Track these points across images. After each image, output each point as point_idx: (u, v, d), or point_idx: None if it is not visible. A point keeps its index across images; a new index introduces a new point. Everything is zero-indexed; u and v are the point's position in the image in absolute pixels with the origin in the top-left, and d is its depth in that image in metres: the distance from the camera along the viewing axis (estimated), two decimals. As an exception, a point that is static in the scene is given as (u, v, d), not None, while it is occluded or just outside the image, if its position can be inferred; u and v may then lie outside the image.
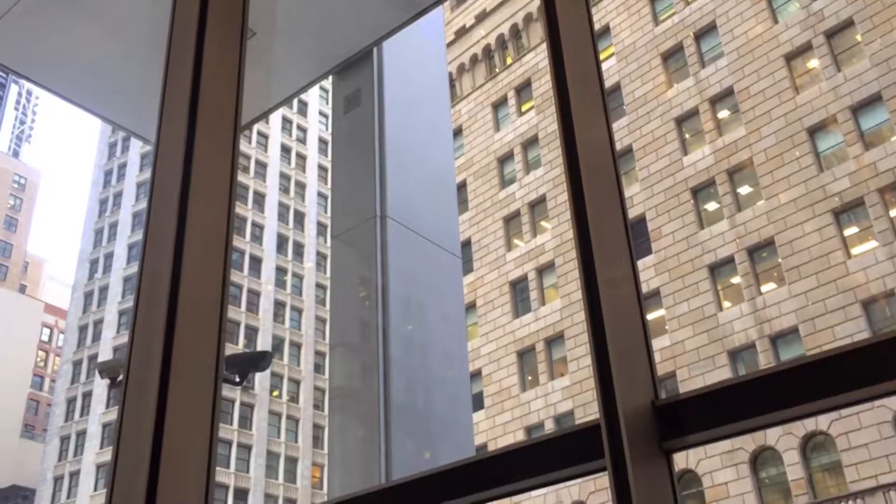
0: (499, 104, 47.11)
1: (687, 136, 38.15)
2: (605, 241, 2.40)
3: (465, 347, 7.12)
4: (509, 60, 47.71)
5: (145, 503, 2.98)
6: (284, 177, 71.87)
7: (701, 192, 36.64)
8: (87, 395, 63.47)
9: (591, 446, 2.23)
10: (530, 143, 44.30)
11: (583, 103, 2.59)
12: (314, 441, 62.98)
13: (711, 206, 36.27)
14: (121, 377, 3.34)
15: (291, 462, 61.30)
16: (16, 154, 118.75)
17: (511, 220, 43.80)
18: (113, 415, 60.49)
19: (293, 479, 60.77)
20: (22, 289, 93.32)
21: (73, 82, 5.90)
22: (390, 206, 5.71)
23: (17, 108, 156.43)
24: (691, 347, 33.98)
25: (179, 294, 3.39)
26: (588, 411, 34.78)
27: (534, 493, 33.95)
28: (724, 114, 37.29)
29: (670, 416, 2.17)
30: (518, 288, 41.88)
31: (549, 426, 36.84)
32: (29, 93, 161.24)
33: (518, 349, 40.14)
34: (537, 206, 42.60)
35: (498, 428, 38.61)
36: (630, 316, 2.36)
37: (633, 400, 2.17)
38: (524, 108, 45.64)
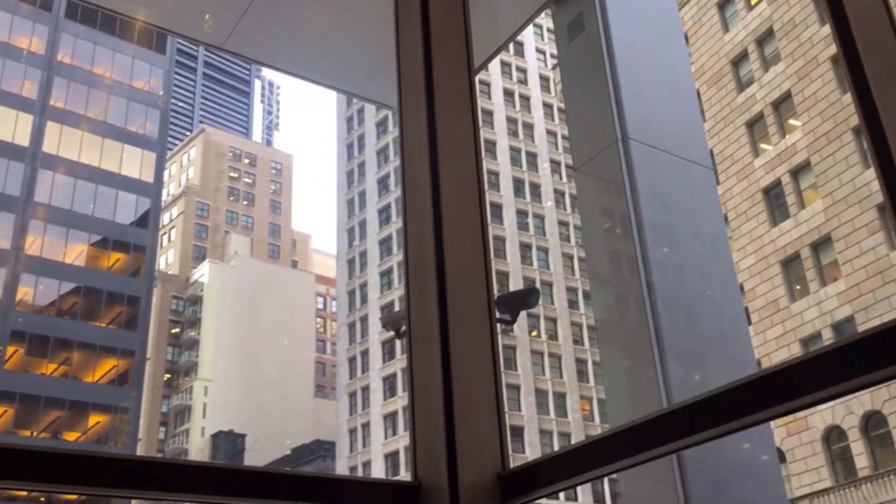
0: (724, 2, 43.93)
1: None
2: (898, 114, 2.13)
3: (729, 262, 6.78)
4: (729, -47, 44.22)
5: (446, 443, 3.16)
6: (511, 121, 72.40)
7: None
8: (365, 354, 68.79)
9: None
10: (765, 37, 40.95)
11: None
12: (578, 375, 63.85)
13: None
14: (404, 328, 3.55)
15: (560, 397, 62.67)
16: (268, 143, 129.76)
17: (754, 123, 40.98)
18: (390, 369, 65.16)
19: (564, 413, 62.15)
20: (293, 264, 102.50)
21: (310, 62, 6.26)
22: (630, 126, 5.52)
23: (263, 101, 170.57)
24: None
25: (444, 244, 3.52)
26: (870, 315, 32.08)
27: (821, 405, 32.04)
28: None
29: None
30: (772, 194, 39.28)
31: (828, 336, 34.47)
32: (271, 84, 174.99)
33: (781, 259, 37.77)
34: (782, 103, 39.45)
35: (770, 343, 36.76)
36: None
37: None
38: (753, 0, 42.21)
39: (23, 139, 49.70)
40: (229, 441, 73.29)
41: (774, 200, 39.13)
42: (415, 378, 3.35)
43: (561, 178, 72.13)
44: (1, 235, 47.46)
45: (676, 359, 5.41)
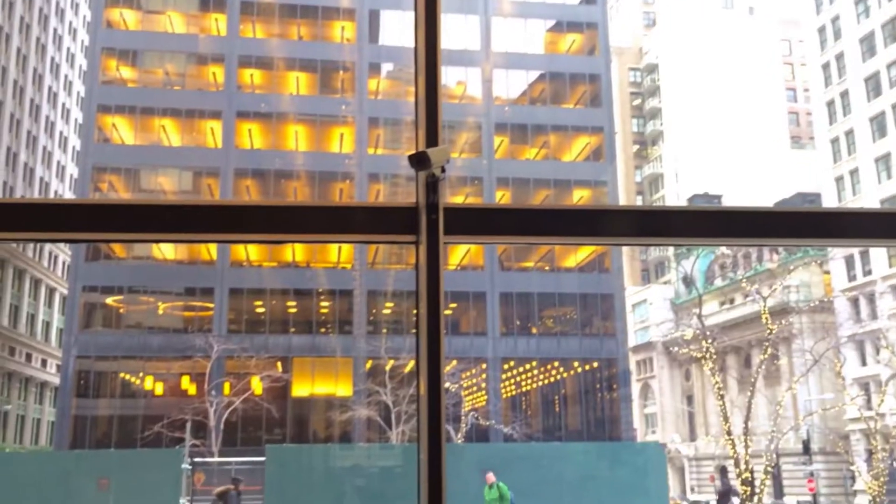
0: None
1: None
2: None
3: None
4: None
5: None
6: None
7: None
8: (844, 95, 62.20)
9: None
10: None
11: None
12: None
13: None
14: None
15: None
16: None
17: None
18: (877, 107, 58.26)
19: None
20: (750, 11, 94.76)
21: None
22: None
23: None
24: None
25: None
26: None
27: None
28: None
29: None
30: None
31: None
32: None
33: None
34: None
35: None
36: None
37: None
38: None
39: (470, -59, 52.45)
40: (706, 202, 73.81)
41: None
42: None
43: None
44: (470, 37, 51.78)
45: None
